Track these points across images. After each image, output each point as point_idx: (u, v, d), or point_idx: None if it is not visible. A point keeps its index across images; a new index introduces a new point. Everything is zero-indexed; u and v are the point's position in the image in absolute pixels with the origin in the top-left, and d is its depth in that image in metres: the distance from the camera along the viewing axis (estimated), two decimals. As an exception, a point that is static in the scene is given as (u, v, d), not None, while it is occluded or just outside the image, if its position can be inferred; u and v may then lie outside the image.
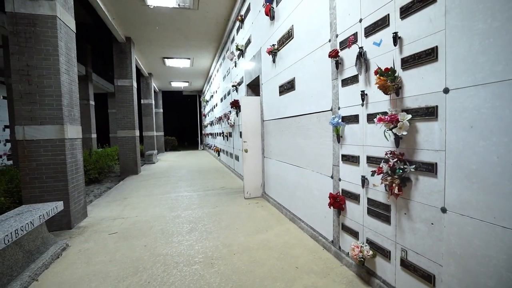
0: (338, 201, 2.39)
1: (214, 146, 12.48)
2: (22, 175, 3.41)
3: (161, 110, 17.70)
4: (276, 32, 3.95)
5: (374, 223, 2.05)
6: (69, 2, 3.89)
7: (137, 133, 8.66)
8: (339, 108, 2.45)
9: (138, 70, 11.74)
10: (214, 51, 10.06)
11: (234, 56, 6.99)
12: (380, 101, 1.93)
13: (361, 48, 2.07)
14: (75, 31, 3.99)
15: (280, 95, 3.92)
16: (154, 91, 16.15)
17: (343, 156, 2.41)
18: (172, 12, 6.72)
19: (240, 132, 6.61)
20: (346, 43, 2.29)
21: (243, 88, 6.28)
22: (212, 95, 12.81)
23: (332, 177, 2.62)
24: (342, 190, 2.45)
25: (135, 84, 8.51)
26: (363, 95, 2.08)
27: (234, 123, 7.12)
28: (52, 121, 3.45)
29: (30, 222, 2.43)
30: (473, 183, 1.32)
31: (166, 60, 10.89)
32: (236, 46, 6.00)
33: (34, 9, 3.34)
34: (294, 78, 3.40)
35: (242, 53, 6.09)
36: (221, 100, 9.92)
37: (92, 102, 12.13)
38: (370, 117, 2.03)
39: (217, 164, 10.23)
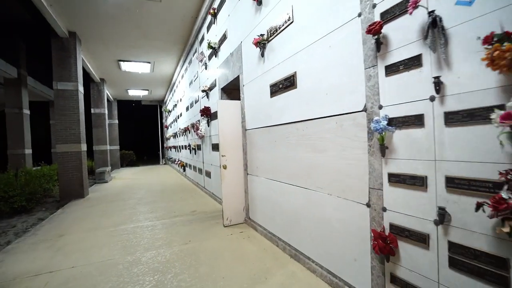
0: (388, 243, 1.61)
1: (178, 161, 11.17)
2: None
3: (116, 121, 15.74)
4: (265, 19, 3.19)
5: (466, 284, 1.30)
6: None
7: (84, 147, 7.11)
8: (380, 107, 1.72)
9: (87, 75, 10.09)
10: (178, 55, 9.02)
11: (204, 57, 6.09)
12: (475, 91, 1.23)
13: (431, 12, 1.37)
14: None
15: (272, 97, 3.13)
16: (108, 100, 14.27)
17: (391, 175, 1.66)
18: (129, 3, 5.62)
19: (212, 145, 5.66)
20: (392, 13, 1.59)
21: (216, 93, 5.38)
22: (176, 104, 11.60)
23: (368, 205, 1.85)
24: (391, 225, 1.69)
25: (81, 89, 7.04)
26: (438, 84, 1.37)
27: (204, 134, 6.13)
28: None
29: None
30: None
31: (122, 63, 9.50)
32: (208, 44, 5.13)
33: None
34: (295, 73, 2.64)
35: (215, 52, 5.23)
36: (187, 109, 8.84)
37: (26, 111, 9.99)
38: (454, 117, 1.31)
39: (182, 181, 8.98)
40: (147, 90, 14.22)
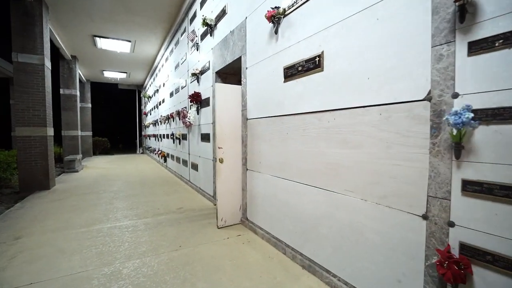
0: (462, 268, 1.26)
1: (159, 151, 10.42)
2: None
3: (90, 105, 14.41)
4: (280, -11, 2.71)
5: None
6: None
7: (51, 131, 6.22)
8: (455, 96, 1.35)
9: (57, 50, 8.92)
10: (163, 35, 8.21)
11: (195, 36, 5.46)
12: None
13: None
14: None
15: (286, 81, 2.68)
16: (81, 81, 12.97)
17: (467, 182, 1.31)
18: (109, -35, 4.82)
19: (202, 135, 5.13)
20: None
21: (208, 77, 4.82)
22: (157, 90, 10.75)
23: (425, 217, 1.49)
24: (463, 245, 1.34)
25: (48, 64, 6.09)
26: None
27: (193, 122, 5.55)
28: None
29: None
30: None
31: (98, 40, 8.48)
32: (203, 20, 4.52)
33: None
34: (322, 52, 2.21)
35: (210, 30, 4.64)
36: (171, 95, 8.12)
37: (-20, 87, 8.68)
38: None
39: (164, 173, 8.31)
40: (125, 72, 13.09)
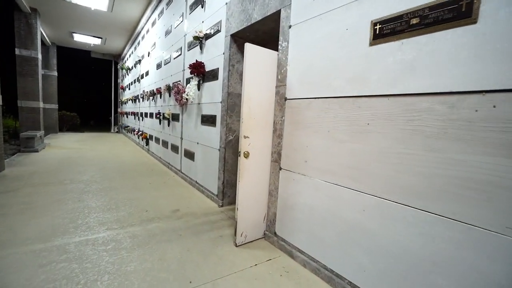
0: None
1: (139, 131, 9.07)
2: None
3: (55, 74, 12.37)
4: None
5: None
6: None
7: (-1, 100, 4.77)
8: None
9: (10, -3, 7.09)
10: (152, -9, 6.74)
11: (200, -11, 4.23)
12: None
13: None
14: None
15: (375, 44, 1.72)
16: (44, 43, 10.93)
17: None
18: None
19: (203, 116, 4.08)
20: None
21: (218, 42, 3.70)
22: (140, 60, 9.23)
23: None
24: None
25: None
26: None
27: (192, 100, 4.41)
28: None
29: None
30: None
31: (66, -11, 6.80)
32: (218, -38, 3.34)
33: None
34: (483, -13, 1.27)
35: (225, -22, 3.48)
36: (159, 66, 6.80)
37: None
38: None
39: (146, 158, 7.10)
40: (100, 38, 11.23)
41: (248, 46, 2.35)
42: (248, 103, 2.40)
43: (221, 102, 3.63)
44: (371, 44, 1.75)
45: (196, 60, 4.11)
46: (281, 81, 2.53)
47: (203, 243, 2.58)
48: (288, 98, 2.45)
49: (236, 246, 2.55)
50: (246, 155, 2.45)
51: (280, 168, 2.55)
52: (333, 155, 2.03)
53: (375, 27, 1.71)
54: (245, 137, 2.43)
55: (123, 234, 2.65)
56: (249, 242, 2.66)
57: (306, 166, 2.27)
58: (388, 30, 1.64)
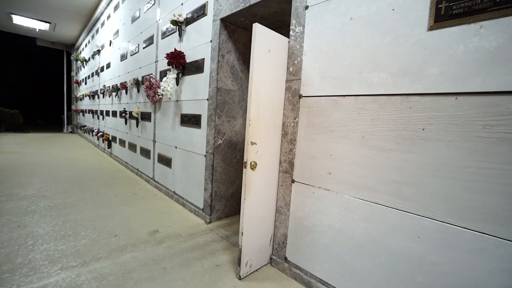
0: None
1: (99, 132, 7.94)
2: None
3: (-11, 62, 10.40)
4: None
5: None
6: None
7: None
8: None
9: None
10: (114, -31, 5.81)
11: (179, -35, 3.58)
12: None
13: None
14: None
15: (437, 27, 1.34)
16: (-27, 25, 9.05)
17: None
18: None
19: (183, 116, 3.49)
20: None
21: (203, 28, 3.12)
22: (99, 50, 8.09)
23: None
24: None
25: None
26: None
27: (170, 96, 3.73)
28: None
29: None
30: None
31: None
32: None
33: None
34: None
35: (213, -49, 2.91)
36: (123, 57, 5.90)
37: None
38: None
39: (108, 163, 6.15)
40: (48, 22, 9.67)
41: (257, 27, 1.84)
42: (257, 100, 1.90)
43: (207, 100, 3.07)
44: (430, 28, 1.37)
45: (175, 49, 3.46)
46: (293, 75, 2.07)
47: (197, 278, 2.02)
48: (304, 95, 2.01)
49: (240, 279, 2.04)
50: (253, 166, 1.94)
51: (293, 181, 2.10)
52: (370, 166, 1.63)
53: (439, 6, 1.34)
54: (252, 143, 1.92)
55: (85, 275, 1.96)
56: (254, 271, 2.17)
57: (330, 179, 1.85)
58: (459, 9, 1.27)
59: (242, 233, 1.98)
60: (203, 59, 3.13)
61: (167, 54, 3.43)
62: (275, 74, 2.04)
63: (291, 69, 2.08)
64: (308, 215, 2.00)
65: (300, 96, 2.02)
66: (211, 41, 2.99)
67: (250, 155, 1.92)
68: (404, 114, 1.49)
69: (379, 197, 1.60)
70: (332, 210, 1.84)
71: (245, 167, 1.93)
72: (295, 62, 2.05)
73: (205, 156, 3.12)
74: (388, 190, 1.56)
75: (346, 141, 1.76)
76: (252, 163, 1.93)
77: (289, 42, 2.09)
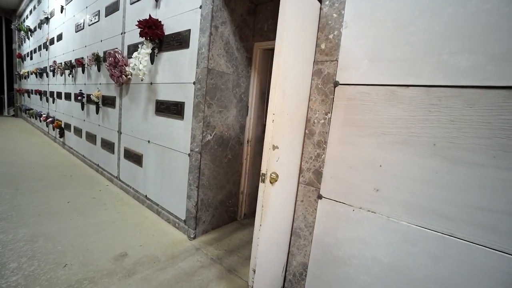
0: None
1: (49, 117, 6.67)
2: None
3: None
4: None
5: None
6: None
7: None
8: None
9: None
10: None
11: None
12: None
13: None
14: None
15: None
16: None
17: None
18: None
19: (159, 103, 2.80)
20: None
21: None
22: (48, 18, 6.70)
23: None
24: None
25: None
26: None
27: (142, 77, 2.94)
28: None
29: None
30: None
31: None
32: None
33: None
34: None
35: None
36: (79, 28, 4.82)
37: None
38: None
39: (61, 155, 5.10)
40: (-20, -21, 7.82)
41: (290, -21, 1.24)
42: (283, 86, 1.33)
43: (194, 83, 2.40)
44: None
45: (151, 17, 2.69)
46: (326, 54, 1.52)
47: (188, 332, 1.44)
48: (341, 83, 1.48)
49: (248, 329, 1.51)
50: (274, 180, 1.39)
51: (320, 196, 1.59)
52: (444, 185, 1.18)
53: None
54: (274, 147, 1.36)
55: None
56: (263, 313, 1.65)
57: (378, 198, 1.37)
58: None
59: (254, 271, 1.43)
60: (189, 30, 2.44)
61: (140, 22, 2.64)
62: (302, 52, 1.48)
63: (322, 46, 1.54)
64: (341, 242, 1.51)
65: (336, 84, 1.49)
66: (200, 7, 2.31)
67: (270, 164, 1.36)
68: (508, 117, 1.04)
69: (456, 228, 1.16)
70: (379, 239, 1.38)
71: (263, 181, 1.36)
72: (330, 36, 1.50)
73: (189, 155, 2.48)
74: (472, 219, 1.12)
75: (405, 149, 1.28)
76: (273, 175, 1.37)
77: (321, 8, 1.53)
